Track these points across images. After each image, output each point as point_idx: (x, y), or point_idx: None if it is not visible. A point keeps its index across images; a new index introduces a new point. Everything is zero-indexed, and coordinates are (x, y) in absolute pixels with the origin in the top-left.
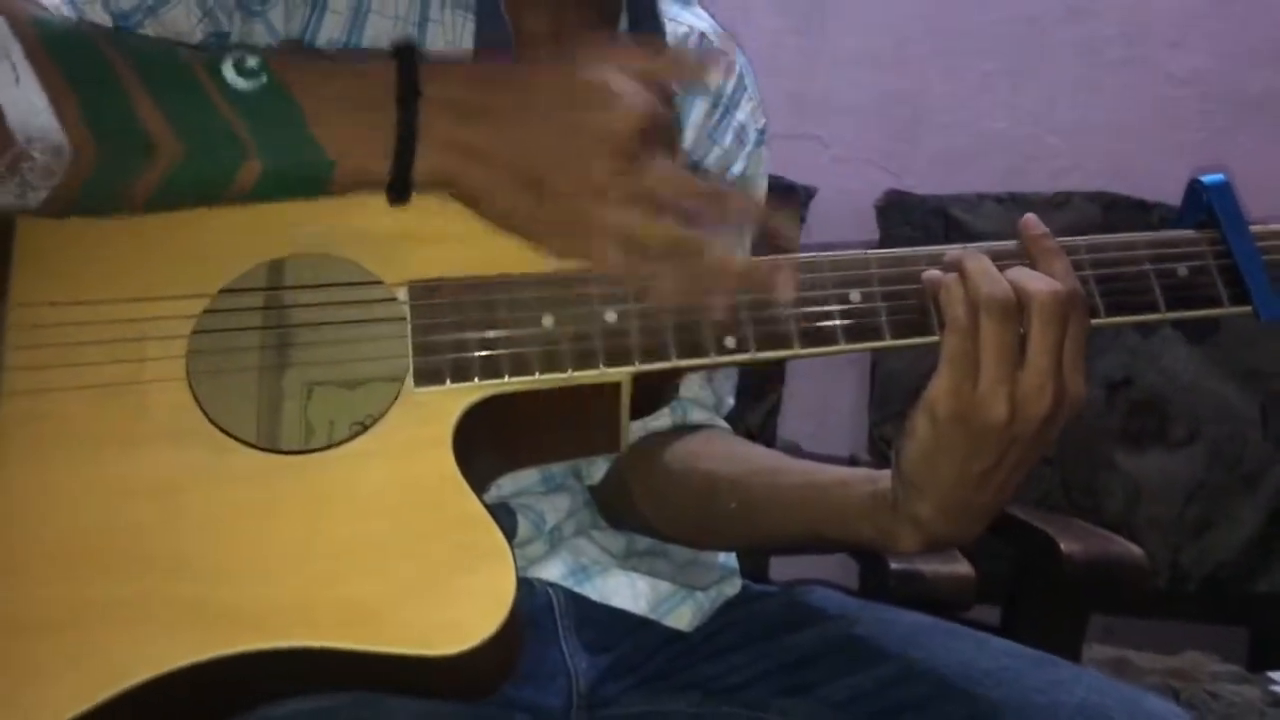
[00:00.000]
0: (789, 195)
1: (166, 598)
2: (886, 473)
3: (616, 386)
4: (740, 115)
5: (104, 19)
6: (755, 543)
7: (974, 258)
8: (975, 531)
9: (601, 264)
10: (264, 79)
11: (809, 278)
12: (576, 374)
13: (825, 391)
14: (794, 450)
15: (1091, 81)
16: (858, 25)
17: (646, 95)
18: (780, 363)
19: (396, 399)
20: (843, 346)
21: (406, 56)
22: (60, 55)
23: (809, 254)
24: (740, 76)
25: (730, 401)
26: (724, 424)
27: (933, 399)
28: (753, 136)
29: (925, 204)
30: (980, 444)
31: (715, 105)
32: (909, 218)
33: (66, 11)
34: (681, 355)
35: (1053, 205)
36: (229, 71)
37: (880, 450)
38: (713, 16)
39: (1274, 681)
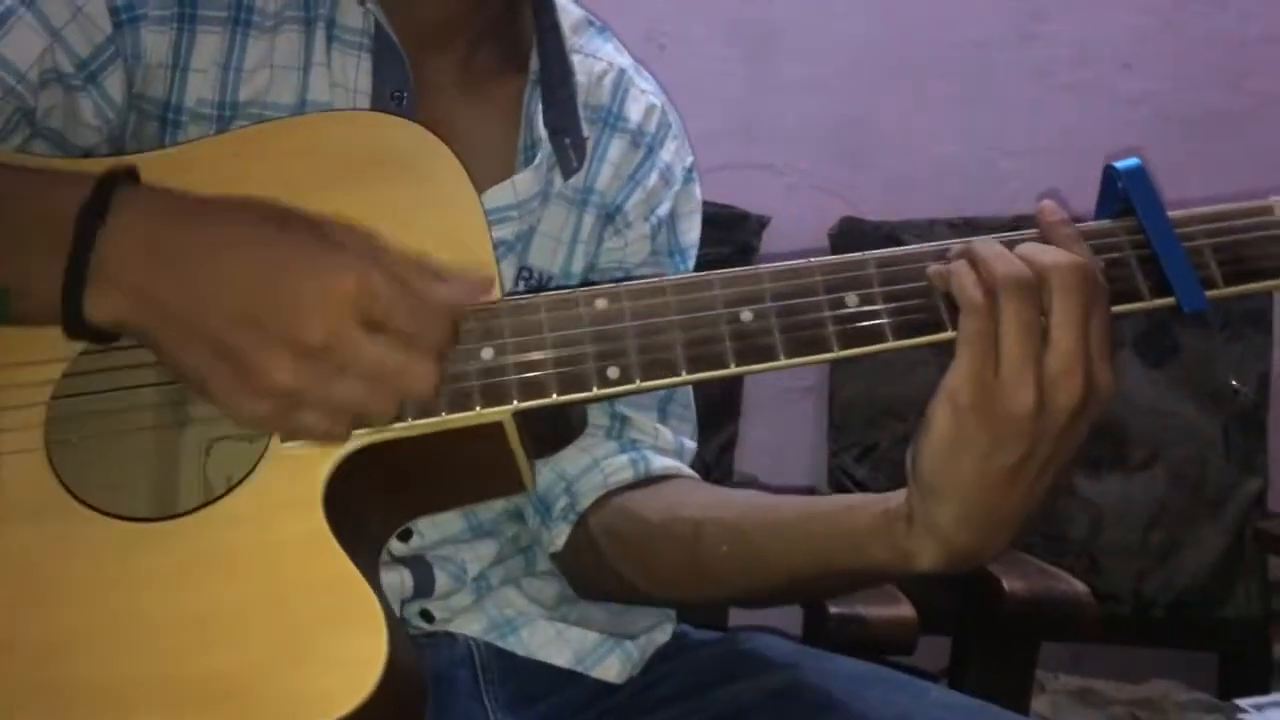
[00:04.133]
0: (741, 224)
1: (24, 680)
2: (897, 492)
3: (500, 426)
4: (665, 155)
5: None
6: (755, 588)
7: (983, 243)
8: (1000, 544)
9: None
10: None
11: (795, 285)
12: (451, 417)
13: (782, 423)
14: (752, 484)
15: (1044, 104)
16: (808, 52)
17: (367, 272)
18: (734, 394)
19: (263, 455)
20: (837, 354)
21: (108, 181)
22: None
23: (801, 260)
24: (663, 113)
25: (691, 446)
26: (691, 472)
27: (952, 387)
28: (679, 175)
29: (879, 230)
30: (1005, 436)
31: (636, 145)
32: (863, 244)
33: None
34: (562, 391)
35: (1008, 229)
36: None
37: (839, 482)
38: (662, 47)
39: (1242, 710)
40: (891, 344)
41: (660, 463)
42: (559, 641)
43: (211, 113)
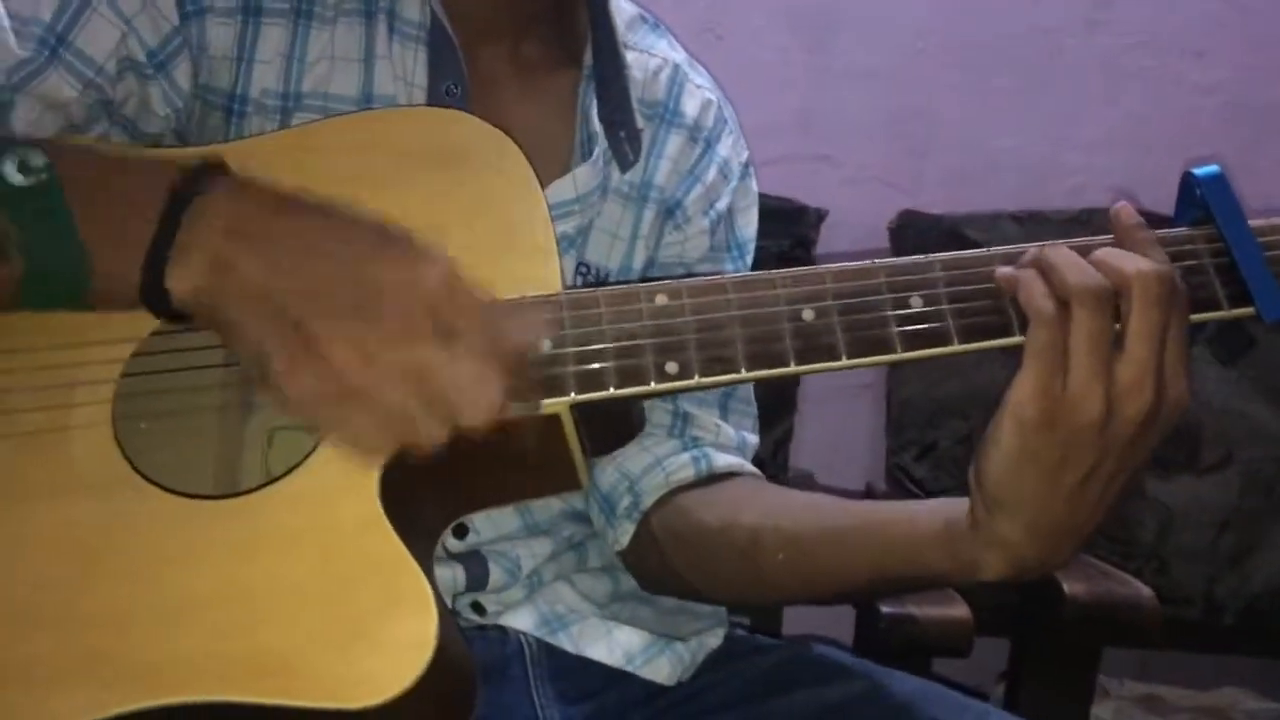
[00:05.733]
0: (799, 217)
1: (77, 653)
2: (958, 501)
3: (557, 419)
4: (722, 150)
5: None
6: (812, 594)
7: (1056, 250)
8: (1067, 555)
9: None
10: (43, 176)
11: (859, 285)
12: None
13: (839, 420)
14: (807, 481)
15: (1111, 94)
16: (868, 41)
17: (453, 275)
18: (790, 390)
19: (321, 440)
20: (900, 356)
21: (203, 165)
22: None
23: (865, 261)
24: (719, 108)
25: (754, 440)
26: (753, 469)
27: (1018, 402)
28: (736, 170)
29: (940, 224)
30: (1072, 450)
31: (694, 140)
32: (923, 238)
33: None
34: (620, 384)
35: (1074, 222)
36: (9, 166)
37: (897, 480)
38: (719, 38)
39: None
40: (956, 347)
41: (722, 460)
42: (609, 640)
43: (275, 103)
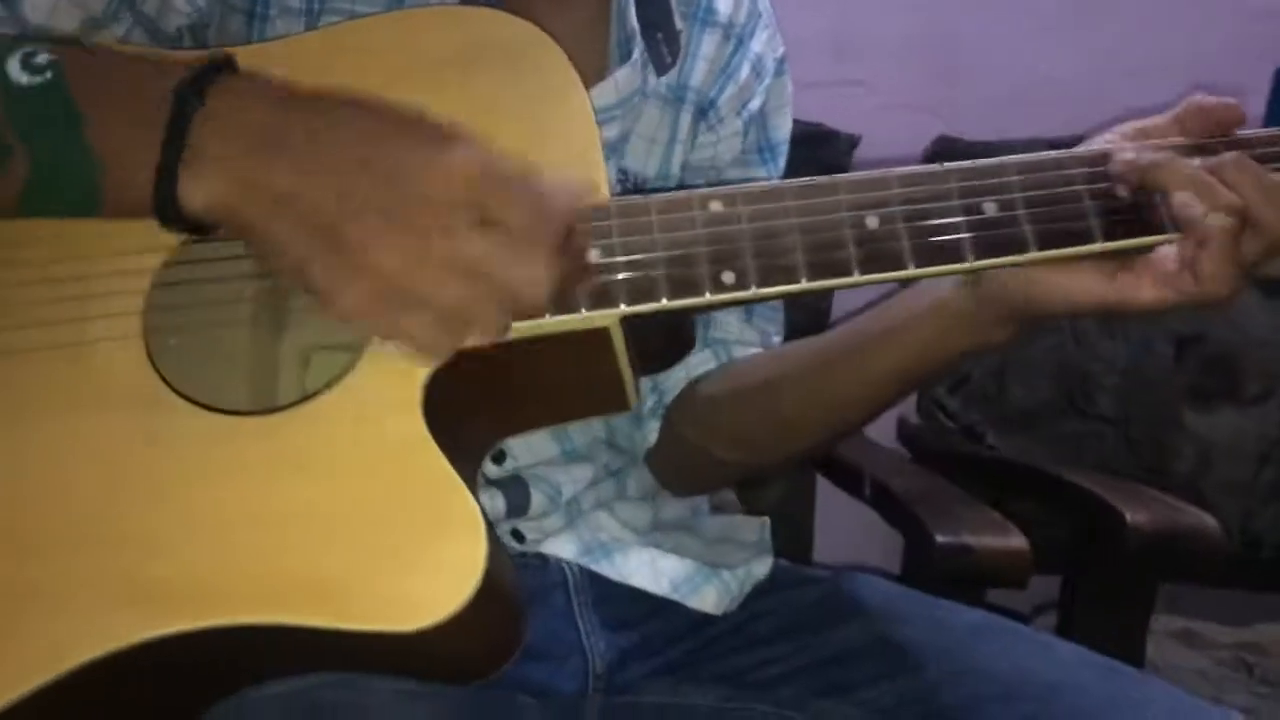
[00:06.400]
0: (830, 142)
1: (111, 573)
2: (932, 288)
3: (605, 333)
4: (755, 46)
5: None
6: (833, 420)
7: (1237, 160)
8: None
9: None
10: (48, 75)
11: (927, 190)
12: (556, 320)
13: None
14: None
15: (1158, 17)
16: None
17: (485, 159)
18: (822, 318)
19: (361, 355)
20: (972, 264)
21: (208, 65)
22: None
23: (934, 165)
24: (752, 1)
25: (777, 341)
26: None
27: (1125, 301)
28: (770, 67)
29: (976, 150)
30: None
31: (727, 38)
32: None
33: None
34: (673, 295)
35: None
36: (12, 64)
37: (929, 412)
38: None
39: None
40: (1034, 254)
41: (741, 353)
42: (653, 569)
43: (300, 5)
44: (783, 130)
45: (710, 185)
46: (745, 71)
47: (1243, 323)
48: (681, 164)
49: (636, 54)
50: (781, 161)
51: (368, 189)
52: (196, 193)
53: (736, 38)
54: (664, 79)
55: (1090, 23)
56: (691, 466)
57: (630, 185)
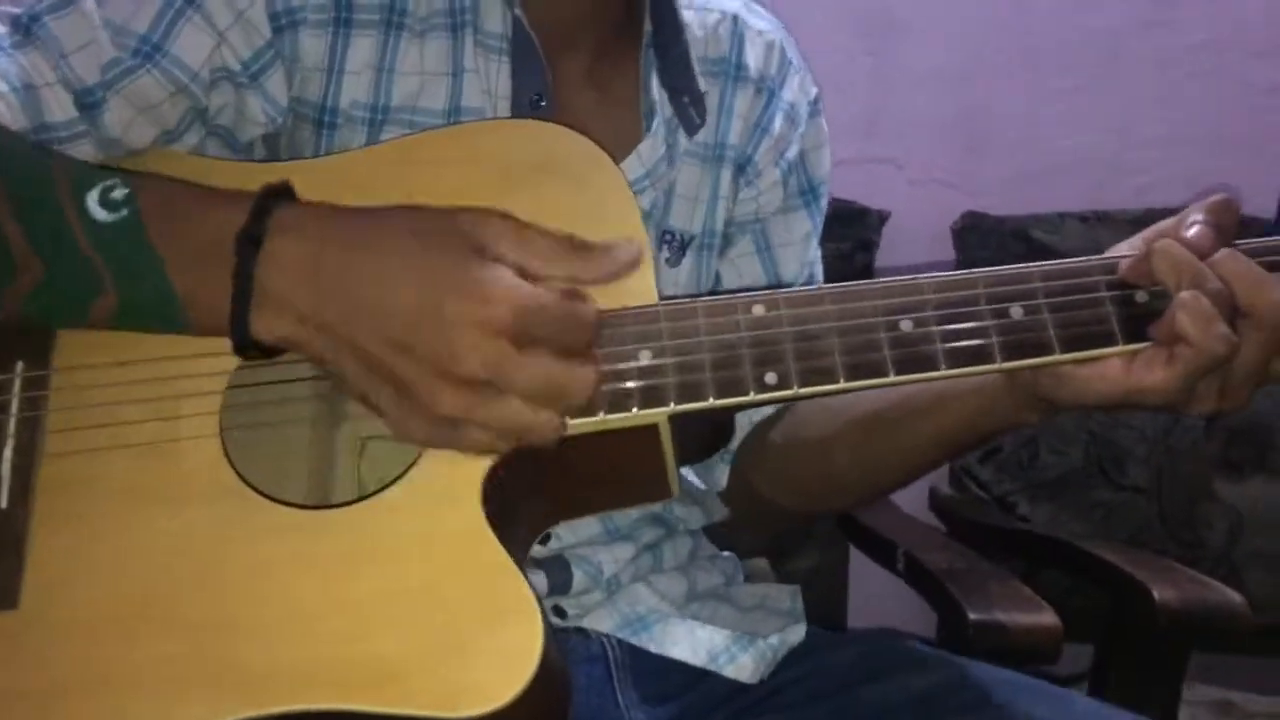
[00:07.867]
0: (861, 219)
1: (196, 659)
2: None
3: (654, 429)
4: (787, 94)
5: (64, 98)
6: (878, 477)
7: (1234, 258)
8: None
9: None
10: (125, 213)
11: (957, 295)
12: (609, 417)
13: None
14: None
15: (1174, 94)
16: (930, 42)
17: (525, 290)
18: None
19: (422, 451)
20: (1000, 365)
21: (264, 203)
22: None
23: (964, 271)
24: (782, 50)
25: None
26: None
27: (1140, 390)
28: (804, 112)
29: (1004, 225)
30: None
31: (759, 91)
32: (988, 240)
33: (16, 99)
34: (719, 395)
35: (1139, 222)
36: (91, 200)
37: (961, 482)
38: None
39: None
40: (1059, 356)
41: None
42: (692, 639)
43: (364, 115)
44: (823, 169)
45: (754, 236)
46: (779, 122)
47: (1272, 392)
48: (725, 219)
49: (656, 123)
50: (823, 201)
51: (415, 334)
52: (266, 329)
53: (768, 90)
54: (699, 138)
55: (1104, 101)
56: (757, 511)
57: (677, 244)
